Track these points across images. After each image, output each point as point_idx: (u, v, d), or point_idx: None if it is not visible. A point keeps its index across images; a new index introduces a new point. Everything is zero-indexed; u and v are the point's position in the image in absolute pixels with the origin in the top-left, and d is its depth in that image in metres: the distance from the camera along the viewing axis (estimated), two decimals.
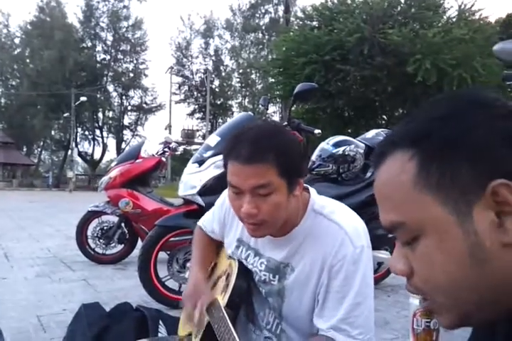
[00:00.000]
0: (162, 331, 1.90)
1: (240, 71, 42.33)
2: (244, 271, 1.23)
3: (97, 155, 43.84)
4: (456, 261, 0.45)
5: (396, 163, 0.48)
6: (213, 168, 2.80)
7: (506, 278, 0.44)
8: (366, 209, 3.03)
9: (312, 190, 1.21)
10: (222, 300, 1.19)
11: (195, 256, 1.40)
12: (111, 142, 44.95)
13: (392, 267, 0.52)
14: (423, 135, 0.47)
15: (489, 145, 0.44)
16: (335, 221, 1.12)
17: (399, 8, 15.62)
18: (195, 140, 39.22)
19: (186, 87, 42.44)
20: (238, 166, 1.04)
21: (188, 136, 39.53)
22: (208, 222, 1.42)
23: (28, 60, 40.47)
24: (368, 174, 3.27)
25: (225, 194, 1.35)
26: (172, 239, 2.94)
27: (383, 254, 3.29)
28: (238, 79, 43.29)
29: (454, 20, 15.52)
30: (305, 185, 1.21)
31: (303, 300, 1.13)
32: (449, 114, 0.47)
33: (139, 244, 3.85)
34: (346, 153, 3.12)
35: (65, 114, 36.78)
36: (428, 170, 0.46)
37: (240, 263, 1.25)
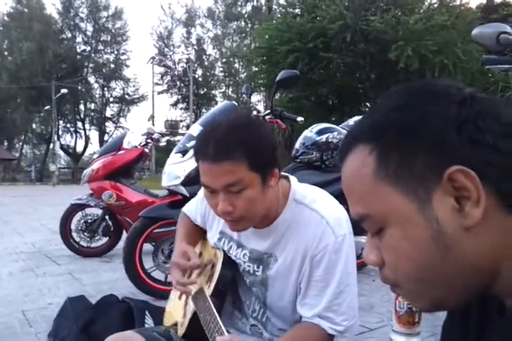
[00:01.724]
0: (149, 322, 1.91)
1: (223, 60, 42.04)
2: (229, 261, 1.23)
3: (79, 148, 43.49)
4: (421, 249, 0.46)
5: (357, 158, 0.50)
6: None
7: (472, 261, 0.45)
8: None
9: (292, 179, 1.20)
10: (208, 289, 1.19)
11: (179, 232, 1.38)
12: (93, 134, 44.48)
13: (365, 258, 0.53)
14: (380, 128, 0.48)
15: (443, 133, 0.45)
16: (316, 210, 1.12)
17: None
18: (179, 131, 38.90)
19: (169, 77, 42.09)
20: (207, 166, 1.03)
21: (172, 126, 39.21)
22: (191, 210, 1.41)
23: (6, 53, 39.63)
24: None
25: None
26: (157, 230, 2.92)
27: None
28: (221, 69, 43.07)
29: (435, 6, 15.57)
30: (285, 173, 1.20)
31: (286, 289, 1.14)
32: (403, 104, 0.48)
33: (124, 236, 3.83)
34: (329, 140, 3.12)
35: (46, 107, 36.21)
36: (386, 162, 0.47)
37: (225, 252, 1.25)
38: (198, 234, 1.41)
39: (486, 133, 0.45)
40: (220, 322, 1.03)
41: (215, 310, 1.08)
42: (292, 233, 1.13)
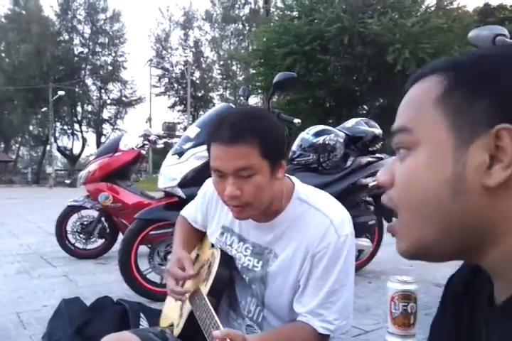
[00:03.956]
0: (143, 323, 1.89)
1: (221, 62, 42.05)
2: (226, 260, 1.23)
3: (76, 150, 43.33)
4: (436, 182, 0.47)
5: (429, 82, 0.51)
6: (193, 159, 2.78)
7: (477, 217, 0.46)
8: (347, 198, 3.05)
9: (295, 179, 1.22)
10: (205, 288, 1.19)
11: (177, 237, 1.39)
12: (90, 136, 44.46)
13: (377, 177, 0.54)
14: (463, 64, 0.50)
15: None
16: (320, 210, 1.13)
17: None
18: (177, 133, 38.93)
19: (166, 80, 42.05)
20: (220, 148, 1.04)
21: (170, 129, 39.23)
22: (190, 211, 1.42)
23: (3, 55, 39.53)
24: (348, 163, 3.29)
25: (207, 184, 1.35)
26: (152, 232, 2.91)
27: (364, 242, 3.32)
28: (219, 71, 43.04)
29: (433, 9, 15.65)
30: (287, 175, 1.21)
31: (285, 286, 1.14)
32: (498, 55, 0.50)
33: (120, 238, 3.82)
34: (326, 142, 3.12)
35: (43, 109, 36.13)
36: (453, 93, 0.48)
37: (222, 252, 1.25)
38: (196, 238, 1.41)
39: None
40: (216, 318, 1.03)
41: (211, 308, 1.08)
42: (294, 231, 1.13)
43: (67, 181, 30.01)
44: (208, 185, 1.33)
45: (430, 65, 0.53)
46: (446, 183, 0.46)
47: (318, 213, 1.12)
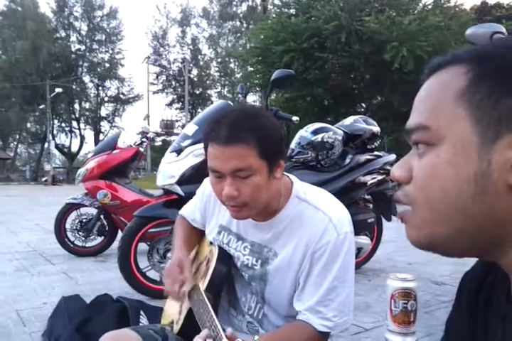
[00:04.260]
0: (143, 321, 1.90)
1: (219, 60, 42.02)
2: (224, 256, 1.23)
3: (74, 148, 43.27)
4: (458, 180, 0.45)
5: (450, 73, 0.48)
6: (192, 156, 2.78)
7: (499, 217, 0.44)
8: (346, 195, 3.06)
9: (294, 177, 1.22)
10: (203, 284, 1.20)
11: (177, 237, 1.39)
12: (88, 134, 44.49)
13: (392, 172, 0.52)
14: (491, 56, 0.46)
15: None
16: (319, 208, 1.13)
17: None
18: (175, 130, 38.87)
19: (164, 77, 42.04)
20: (218, 148, 1.03)
21: (167, 126, 39.15)
22: (189, 211, 1.42)
23: (0, 52, 39.45)
24: (347, 160, 3.29)
25: (206, 183, 1.35)
26: (152, 229, 2.91)
27: (363, 239, 3.32)
28: (217, 69, 43.05)
29: (430, 7, 15.64)
30: (285, 173, 1.21)
31: (285, 284, 1.15)
32: None
33: (119, 235, 3.82)
34: (325, 140, 3.13)
35: (41, 106, 35.99)
36: (477, 87, 0.45)
37: (221, 248, 1.25)
38: (196, 237, 1.41)
39: None
40: (213, 313, 1.03)
41: (208, 304, 1.08)
42: (294, 229, 1.14)
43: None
44: (206, 184, 1.32)
45: (450, 55, 0.50)
46: (468, 181, 0.44)
47: (317, 211, 1.13)
